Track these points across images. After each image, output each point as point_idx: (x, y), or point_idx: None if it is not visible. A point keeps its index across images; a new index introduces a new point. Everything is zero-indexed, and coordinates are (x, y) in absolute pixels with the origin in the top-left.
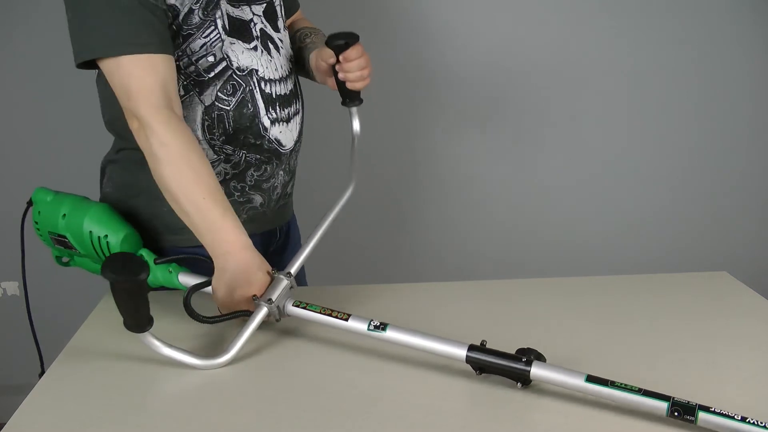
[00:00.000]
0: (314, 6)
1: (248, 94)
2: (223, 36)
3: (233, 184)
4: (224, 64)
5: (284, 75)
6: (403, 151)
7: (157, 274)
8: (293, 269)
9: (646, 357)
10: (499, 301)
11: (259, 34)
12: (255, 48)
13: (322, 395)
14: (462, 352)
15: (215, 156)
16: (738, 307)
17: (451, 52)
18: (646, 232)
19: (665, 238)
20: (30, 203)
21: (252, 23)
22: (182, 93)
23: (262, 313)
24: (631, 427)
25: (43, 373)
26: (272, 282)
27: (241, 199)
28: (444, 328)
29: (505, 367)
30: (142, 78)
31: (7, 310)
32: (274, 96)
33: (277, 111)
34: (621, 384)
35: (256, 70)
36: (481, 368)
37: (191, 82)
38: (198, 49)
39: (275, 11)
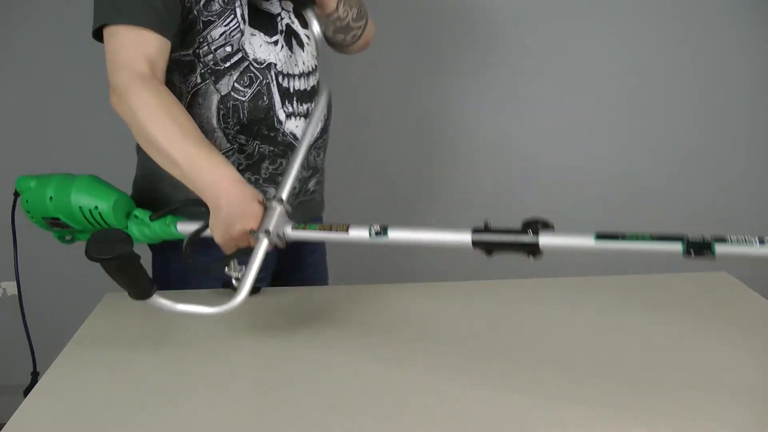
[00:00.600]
0: None
1: (264, 87)
2: (242, 26)
3: (247, 175)
4: (240, 55)
5: (306, 71)
6: (404, 150)
7: (156, 229)
8: (284, 194)
9: (646, 357)
10: (499, 301)
11: (284, 29)
12: (276, 42)
13: (326, 388)
14: (467, 237)
15: (229, 145)
16: (738, 307)
17: (449, 52)
18: (646, 231)
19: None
20: (16, 194)
21: (279, 17)
22: (199, 81)
23: (264, 245)
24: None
25: (35, 372)
26: (266, 212)
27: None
28: (444, 327)
29: (513, 243)
30: (129, 49)
31: (7, 310)
32: (291, 90)
33: (294, 105)
34: (631, 234)
35: (274, 64)
36: (489, 249)
37: (208, 70)
38: (218, 37)
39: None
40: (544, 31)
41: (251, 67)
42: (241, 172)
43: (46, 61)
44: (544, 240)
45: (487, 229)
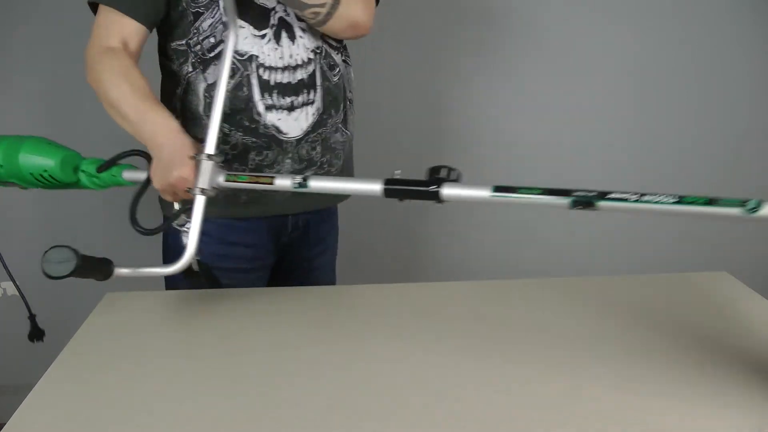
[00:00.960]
0: None
1: (245, 78)
2: (225, 18)
3: (235, 165)
4: (222, 47)
5: (293, 64)
6: (404, 151)
7: (105, 179)
8: (210, 149)
9: (646, 358)
10: (499, 301)
11: (276, 23)
12: (263, 36)
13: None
14: (379, 186)
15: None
16: (738, 307)
17: (449, 51)
18: (646, 232)
19: (665, 237)
20: None
21: (273, 11)
22: (190, 69)
23: (201, 202)
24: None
25: (32, 315)
26: (198, 169)
27: None
28: (444, 327)
29: (418, 191)
30: (108, 29)
31: (7, 310)
32: (272, 83)
33: (274, 98)
34: (524, 188)
35: (256, 56)
36: (399, 197)
37: (198, 60)
38: (207, 28)
39: None
40: (545, 31)
41: (233, 59)
42: (229, 162)
43: (46, 62)
44: (446, 191)
45: (397, 180)
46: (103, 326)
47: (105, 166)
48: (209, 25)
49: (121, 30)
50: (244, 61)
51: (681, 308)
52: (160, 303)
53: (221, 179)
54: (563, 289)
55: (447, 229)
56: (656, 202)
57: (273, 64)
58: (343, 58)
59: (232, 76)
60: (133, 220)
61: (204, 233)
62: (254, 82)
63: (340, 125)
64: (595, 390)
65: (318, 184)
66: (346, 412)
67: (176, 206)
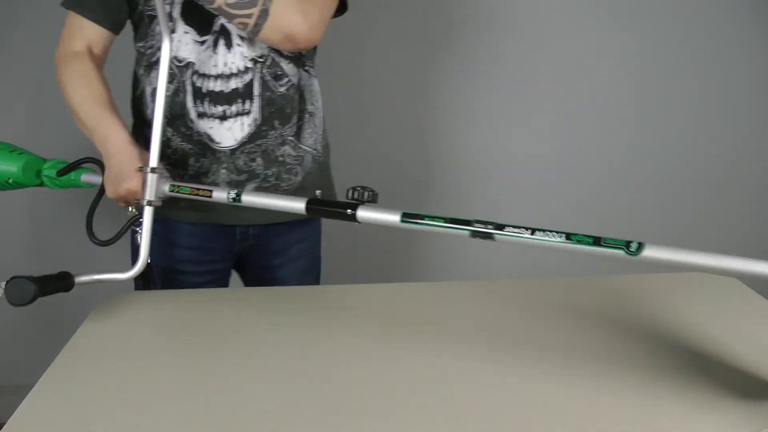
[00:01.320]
0: None
1: (181, 84)
2: (179, 24)
3: (179, 171)
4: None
5: (227, 73)
6: (403, 151)
7: (65, 182)
8: (153, 162)
9: (650, 359)
10: (499, 300)
11: (218, 29)
12: (203, 42)
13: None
14: (302, 205)
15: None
16: (747, 314)
17: (450, 52)
18: (646, 232)
19: (666, 238)
20: None
21: (217, 17)
22: (142, 72)
23: (150, 214)
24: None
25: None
26: (144, 183)
27: None
28: (444, 327)
29: (336, 213)
30: (73, 31)
31: (7, 310)
32: (204, 91)
33: (206, 106)
34: (429, 216)
35: (193, 63)
36: (321, 216)
37: (147, 63)
38: (156, 32)
39: None
40: (545, 30)
41: (172, 64)
42: (172, 165)
43: (46, 62)
44: (360, 213)
45: (318, 200)
46: (103, 326)
47: (64, 170)
48: (156, 32)
49: (85, 34)
50: (181, 68)
51: (680, 308)
52: (159, 303)
53: (166, 189)
54: (564, 289)
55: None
56: (546, 240)
57: (207, 72)
58: (304, 68)
59: (170, 81)
60: (90, 232)
61: (153, 233)
62: (188, 89)
63: (290, 138)
64: (595, 391)
65: (249, 199)
66: (345, 412)
67: (130, 209)
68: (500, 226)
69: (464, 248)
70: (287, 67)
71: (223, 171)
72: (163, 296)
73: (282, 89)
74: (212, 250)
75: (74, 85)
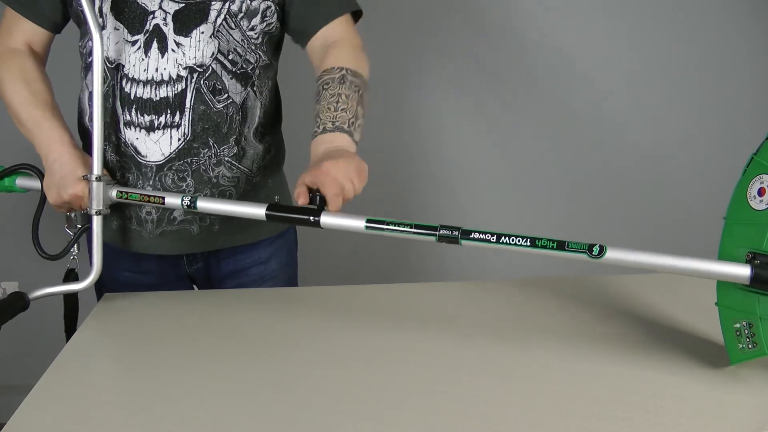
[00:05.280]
0: None
1: (111, 88)
2: (108, 20)
3: (118, 175)
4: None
5: (159, 79)
6: (401, 151)
7: (1, 187)
8: (97, 170)
9: (646, 358)
10: (498, 300)
11: (150, 29)
12: (134, 42)
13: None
14: (262, 211)
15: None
16: None
17: (456, 54)
18: (646, 231)
19: (665, 237)
20: None
21: (152, 15)
22: (82, 76)
23: (98, 223)
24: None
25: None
26: (90, 192)
27: (110, 206)
28: (443, 328)
29: (299, 220)
30: (11, 29)
31: None
32: (132, 97)
33: (133, 114)
34: (394, 222)
35: (123, 65)
36: (281, 222)
37: (85, 65)
38: (87, 32)
39: (202, 16)
40: (545, 29)
41: (104, 66)
42: (111, 171)
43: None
44: (324, 219)
45: (278, 206)
46: (103, 326)
47: (2, 174)
48: (87, 30)
49: (24, 32)
50: (112, 70)
51: (680, 308)
52: (158, 303)
53: (113, 195)
54: (563, 289)
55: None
56: (513, 244)
57: (136, 76)
58: (253, 87)
59: (104, 82)
60: (37, 245)
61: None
62: (117, 93)
63: (227, 160)
64: (595, 389)
65: (205, 205)
66: (345, 412)
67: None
68: (466, 232)
69: (460, 249)
70: (229, 82)
71: (149, 188)
72: (162, 296)
73: (219, 105)
74: (160, 273)
75: (13, 85)
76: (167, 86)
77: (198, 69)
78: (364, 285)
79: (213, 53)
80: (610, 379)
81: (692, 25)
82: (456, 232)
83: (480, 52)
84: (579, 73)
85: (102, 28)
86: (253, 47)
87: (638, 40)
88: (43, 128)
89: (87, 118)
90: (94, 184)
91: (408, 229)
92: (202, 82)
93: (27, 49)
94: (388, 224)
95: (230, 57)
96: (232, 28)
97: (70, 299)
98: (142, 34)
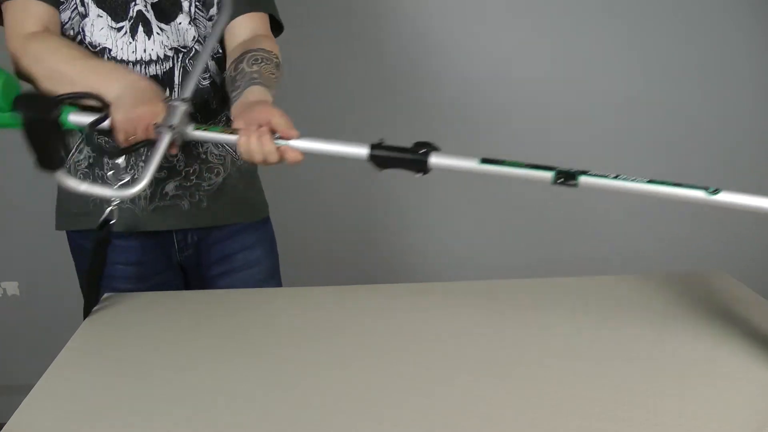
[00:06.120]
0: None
1: None
2: (82, 8)
3: (96, 170)
4: (79, 38)
5: (146, 59)
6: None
7: None
8: (187, 93)
9: (644, 356)
10: (499, 300)
11: (134, 15)
12: (120, 29)
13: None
14: (365, 151)
15: (79, 135)
16: (735, 306)
17: (453, 55)
18: (645, 232)
19: (664, 236)
20: None
21: (133, 3)
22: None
23: (167, 138)
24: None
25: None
26: (169, 109)
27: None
28: (443, 328)
29: (405, 159)
30: (19, 17)
31: (7, 310)
32: None
33: None
34: (510, 161)
35: (109, 49)
36: (384, 163)
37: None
38: (66, 20)
39: (177, 8)
40: (544, 29)
41: (87, 50)
42: (91, 167)
43: None
44: (434, 159)
45: (383, 145)
46: (102, 326)
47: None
48: (68, 17)
49: (36, 15)
50: (96, 53)
51: (679, 307)
52: (158, 303)
53: (190, 128)
54: (562, 289)
55: (445, 228)
56: (631, 180)
57: (125, 58)
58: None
59: None
60: (94, 144)
61: (84, 251)
62: None
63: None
64: (595, 389)
65: (300, 144)
66: (345, 412)
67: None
68: (582, 171)
69: (460, 249)
70: (210, 63)
71: (142, 164)
72: (162, 297)
73: (205, 83)
74: (152, 262)
75: (56, 55)
76: (155, 65)
77: (182, 50)
78: (364, 285)
79: (194, 37)
80: (610, 379)
81: (692, 25)
82: (573, 171)
83: (481, 52)
84: (579, 73)
85: (84, 16)
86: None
87: (638, 40)
88: (99, 66)
89: None
90: (180, 104)
91: (523, 170)
92: (187, 61)
93: (45, 29)
94: (503, 164)
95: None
96: (204, 18)
97: (101, 249)
98: (127, 21)
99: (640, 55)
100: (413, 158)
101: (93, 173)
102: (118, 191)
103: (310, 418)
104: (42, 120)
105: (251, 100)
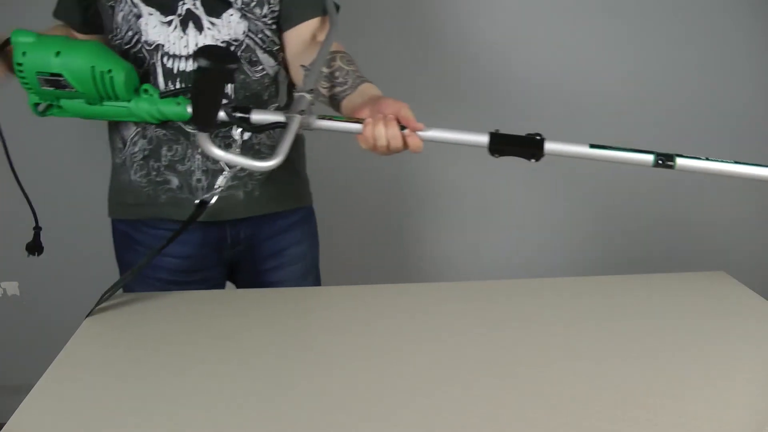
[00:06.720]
0: None
1: (151, 67)
2: (135, 9)
3: (152, 163)
4: (137, 37)
5: None
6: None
7: (162, 108)
8: (312, 85)
9: (644, 357)
10: (499, 300)
11: (183, 13)
12: (170, 23)
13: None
14: (485, 139)
15: (135, 128)
16: (735, 307)
17: (454, 53)
18: (645, 232)
19: (664, 237)
20: (5, 44)
21: (181, 2)
22: None
23: (297, 122)
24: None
25: (37, 227)
26: (297, 98)
27: (158, 179)
28: (443, 328)
29: (522, 143)
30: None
31: (7, 310)
32: (175, 71)
33: (177, 86)
34: (616, 147)
35: (162, 45)
36: (501, 151)
37: (121, 54)
38: (121, 21)
39: (226, 4)
40: (544, 29)
41: (143, 49)
42: (146, 159)
43: None
44: (549, 146)
45: (503, 135)
46: (103, 326)
47: (170, 92)
48: (122, 18)
49: (56, 31)
50: (151, 51)
51: (679, 308)
52: (158, 304)
53: (314, 118)
54: (563, 289)
55: (448, 230)
56: (721, 161)
57: (177, 53)
58: (279, 62)
59: (141, 66)
60: (234, 118)
61: (137, 242)
62: (159, 70)
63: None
64: (595, 390)
65: (426, 134)
66: (345, 412)
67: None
68: (677, 155)
69: (459, 249)
70: (263, 56)
71: (198, 157)
72: (162, 297)
73: (257, 75)
74: (202, 257)
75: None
76: None
77: (234, 43)
78: (363, 285)
79: (244, 31)
80: (610, 379)
81: (692, 25)
82: (670, 153)
83: (481, 50)
84: (577, 73)
85: (139, 16)
86: (273, 29)
87: (638, 40)
88: None
89: None
90: (306, 95)
91: (629, 154)
92: (240, 53)
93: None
94: (608, 148)
95: (259, 36)
96: (254, 14)
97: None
98: (176, 16)
99: (640, 55)
100: (531, 144)
101: (148, 165)
102: (254, 161)
103: (310, 418)
104: (220, 69)
105: (373, 95)
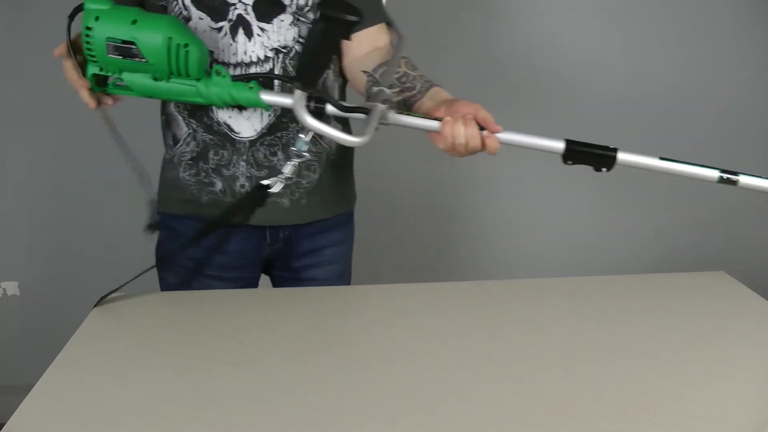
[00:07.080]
0: None
1: None
2: (192, 11)
3: (201, 164)
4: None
5: (247, 61)
6: (413, 155)
7: (233, 92)
8: (389, 81)
9: (645, 357)
10: (500, 300)
11: (234, 18)
12: (220, 29)
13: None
14: (561, 145)
15: (186, 129)
16: (735, 307)
17: (464, 55)
18: (645, 231)
19: (664, 237)
20: (76, 12)
21: (233, 6)
22: None
23: (379, 110)
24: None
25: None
26: (377, 92)
27: (205, 180)
28: (443, 328)
29: (596, 153)
30: None
31: (7, 310)
32: None
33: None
34: (683, 160)
35: (211, 52)
36: (575, 158)
37: None
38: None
39: (279, 8)
40: (544, 28)
41: None
42: (193, 160)
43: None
44: (621, 156)
45: (576, 141)
46: (103, 326)
47: (244, 76)
48: None
49: None
50: None
51: (680, 308)
52: (159, 304)
53: (391, 112)
54: (563, 289)
55: (451, 230)
56: None
57: (226, 60)
58: (331, 69)
59: None
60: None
61: (180, 235)
62: None
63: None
64: (595, 390)
65: (503, 136)
66: (345, 412)
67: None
68: (739, 172)
69: (459, 249)
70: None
71: (243, 163)
72: (162, 297)
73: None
74: (242, 254)
75: None
76: (256, 67)
77: (283, 50)
78: (362, 285)
79: (294, 37)
80: (610, 379)
81: (692, 25)
82: (734, 171)
83: (480, 51)
84: (577, 73)
85: (188, 19)
86: None
87: (638, 40)
88: None
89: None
90: (386, 90)
91: (695, 168)
92: (287, 61)
93: None
94: (677, 162)
95: None
96: (307, 18)
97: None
98: (227, 22)
99: (640, 55)
100: (604, 154)
101: (197, 166)
102: (353, 138)
103: (310, 418)
104: (342, 20)
105: (445, 98)
